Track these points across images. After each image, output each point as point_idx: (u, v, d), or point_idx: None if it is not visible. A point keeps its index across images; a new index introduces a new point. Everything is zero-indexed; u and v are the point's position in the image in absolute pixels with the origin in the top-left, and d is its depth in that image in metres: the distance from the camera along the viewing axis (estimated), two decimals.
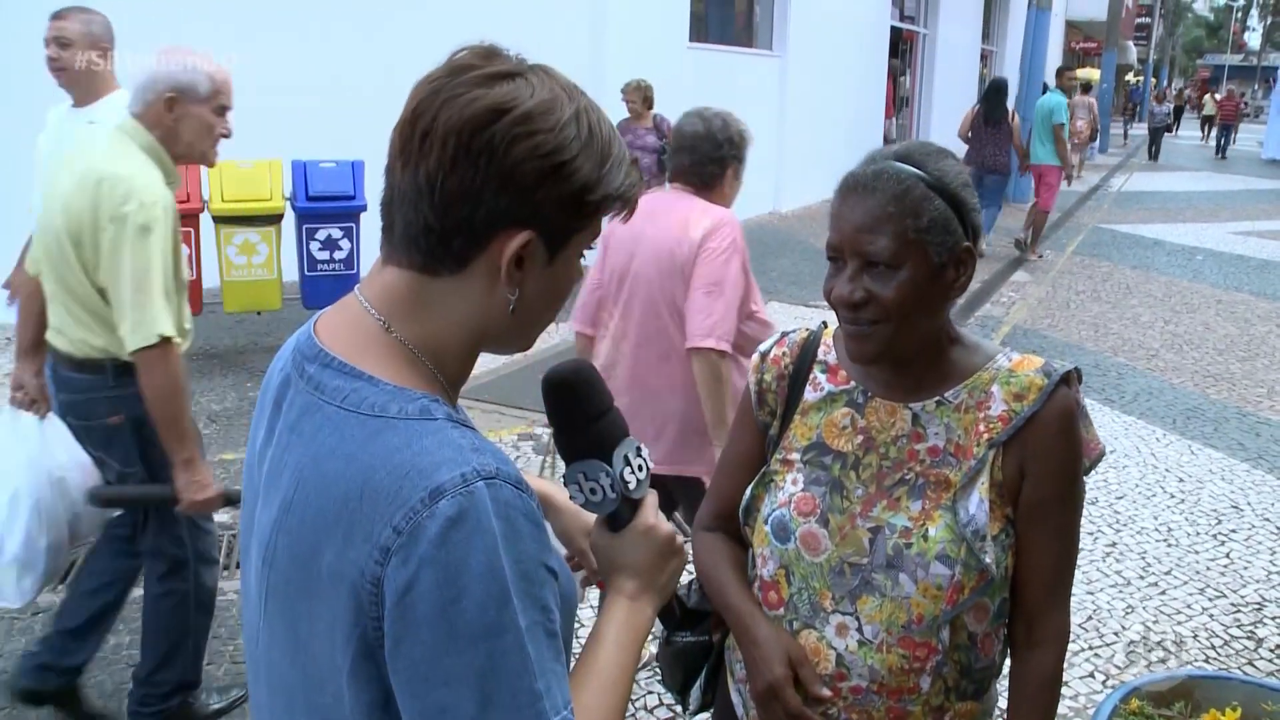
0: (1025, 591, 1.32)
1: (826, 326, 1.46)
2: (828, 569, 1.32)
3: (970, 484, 1.28)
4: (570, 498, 1.02)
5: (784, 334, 1.48)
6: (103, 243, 2.27)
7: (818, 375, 1.40)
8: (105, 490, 2.54)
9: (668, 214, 2.59)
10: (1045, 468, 1.27)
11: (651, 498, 1.04)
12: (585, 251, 0.97)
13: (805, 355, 1.42)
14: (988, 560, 1.26)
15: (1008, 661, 1.40)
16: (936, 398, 1.31)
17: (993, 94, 9.88)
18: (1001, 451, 1.28)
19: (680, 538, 1.05)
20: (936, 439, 1.30)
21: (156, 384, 2.31)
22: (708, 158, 2.61)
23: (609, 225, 2.91)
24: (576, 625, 3.23)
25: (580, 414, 1.00)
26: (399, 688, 0.85)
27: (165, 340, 2.28)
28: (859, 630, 1.30)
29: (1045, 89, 13.72)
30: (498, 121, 0.85)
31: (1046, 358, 1.35)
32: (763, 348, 1.47)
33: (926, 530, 1.27)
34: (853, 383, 1.37)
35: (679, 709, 1.56)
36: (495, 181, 0.86)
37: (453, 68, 0.89)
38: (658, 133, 7.71)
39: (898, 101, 17.92)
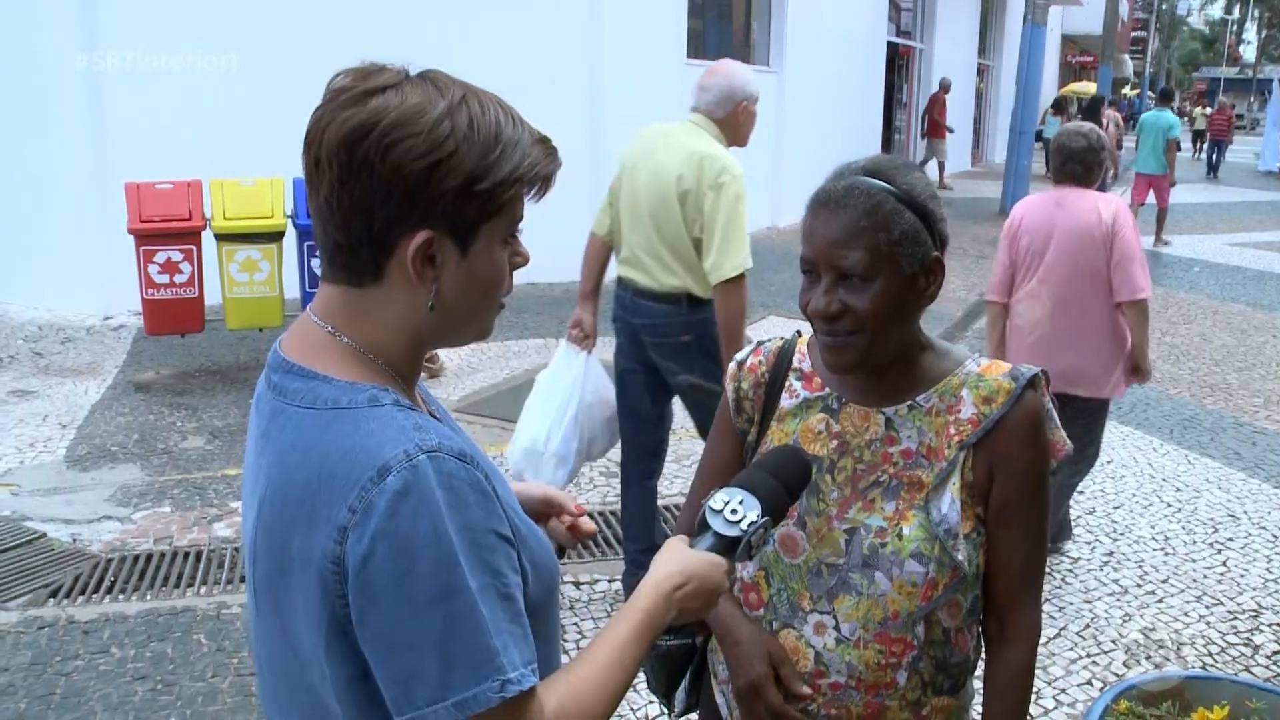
0: (996, 589, 1.36)
1: (800, 335, 1.51)
2: (805, 570, 1.36)
3: (942, 484, 1.32)
4: (707, 497, 1.16)
5: (759, 343, 1.52)
6: (704, 204, 2.99)
7: (793, 382, 1.44)
8: (696, 381, 3.19)
9: (1076, 203, 3.58)
10: (1014, 468, 1.32)
11: (730, 561, 1.13)
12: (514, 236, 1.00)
13: (780, 363, 1.46)
14: (960, 558, 1.30)
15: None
16: (908, 402, 1.36)
17: (1091, 107, 11.78)
18: (972, 453, 1.32)
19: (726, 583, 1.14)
20: (909, 442, 1.35)
21: (733, 306, 3.02)
22: (1094, 163, 3.63)
23: (1016, 214, 3.69)
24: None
25: (787, 481, 1.22)
26: (370, 658, 0.90)
27: (741, 276, 3.00)
28: (836, 628, 1.34)
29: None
30: (368, 136, 0.91)
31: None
32: (739, 357, 1.51)
33: (901, 529, 1.31)
34: (827, 389, 1.41)
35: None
36: (381, 191, 0.92)
37: (331, 92, 0.95)
38: None
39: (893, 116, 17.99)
